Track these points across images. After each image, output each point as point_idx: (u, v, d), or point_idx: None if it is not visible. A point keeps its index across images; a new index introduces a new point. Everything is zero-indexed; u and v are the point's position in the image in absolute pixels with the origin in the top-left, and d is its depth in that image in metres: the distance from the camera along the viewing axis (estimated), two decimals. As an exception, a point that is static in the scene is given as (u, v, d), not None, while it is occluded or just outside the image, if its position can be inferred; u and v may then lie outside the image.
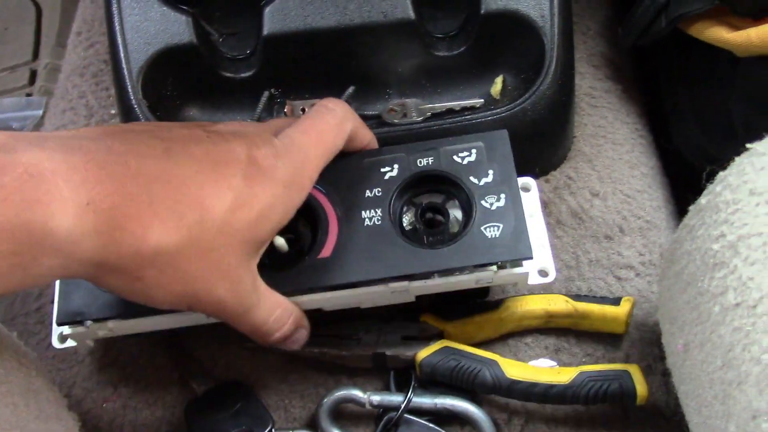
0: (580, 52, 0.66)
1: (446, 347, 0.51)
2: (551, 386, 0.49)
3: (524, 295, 0.54)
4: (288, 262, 0.47)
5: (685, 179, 0.65)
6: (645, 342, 0.54)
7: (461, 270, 0.46)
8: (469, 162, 0.48)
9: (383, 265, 0.46)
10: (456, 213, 0.48)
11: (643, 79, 0.69)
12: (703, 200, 0.41)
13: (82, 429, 0.45)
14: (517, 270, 0.47)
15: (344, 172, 0.48)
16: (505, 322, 0.53)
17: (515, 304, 0.53)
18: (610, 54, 0.67)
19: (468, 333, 0.53)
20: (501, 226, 0.46)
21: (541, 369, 0.50)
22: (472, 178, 0.48)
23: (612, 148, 0.62)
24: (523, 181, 0.51)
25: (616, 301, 0.52)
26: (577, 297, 0.53)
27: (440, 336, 0.52)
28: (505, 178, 0.48)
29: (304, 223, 0.48)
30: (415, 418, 0.50)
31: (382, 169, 0.48)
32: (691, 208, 0.42)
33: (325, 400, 0.51)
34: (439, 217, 0.48)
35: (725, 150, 0.55)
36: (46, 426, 0.39)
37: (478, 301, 0.53)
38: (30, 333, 0.57)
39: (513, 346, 0.54)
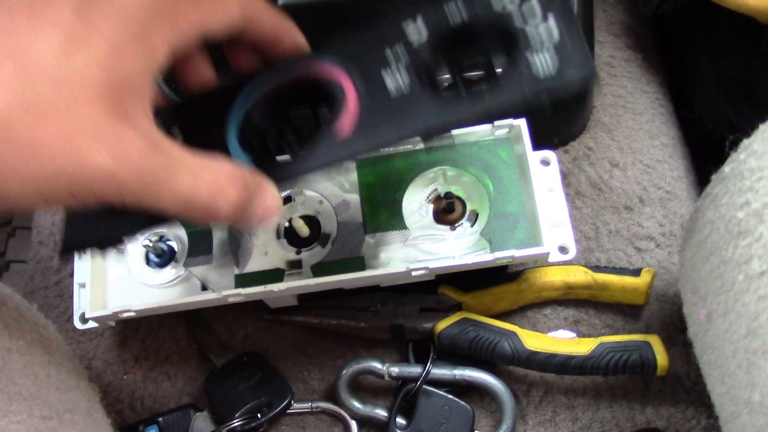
0: (600, 21, 0.65)
1: (465, 318, 0.51)
2: (570, 357, 0.49)
3: (543, 266, 0.53)
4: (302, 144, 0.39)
5: (707, 149, 0.64)
6: (665, 313, 0.53)
7: (514, 104, 0.37)
8: None
9: (415, 123, 0.37)
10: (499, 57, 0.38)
11: (664, 48, 0.68)
12: (727, 168, 0.40)
13: (103, 400, 0.45)
14: (537, 249, 0.46)
15: (358, 34, 0.39)
16: (523, 293, 0.52)
17: (534, 276, 0.52)
18: (630, 22, 0.66)
19: (486, 304, 0.52)
20: (551, 51, 0.37)
21: (560, 340, 0.50)
22: (508, 5, 0.37)
23: (632, 117, 0.61)
24: (543, 154, 0.51)
25: (636, 272, 0.52)
26: (597, 268, 0.53)
27: (459, 307, 0.52)
28: None
29: (319, 101, 0.40)
30: (434, 390, 0.50)
31: (404, 25, 0.38)
32: (714, 176, 0.41)
33: (344, 371, 0.51)
34: (479, 55, 0.38)
35: (748, 118, 0.54)
36: (67, 397, 0.40)
37: (497, 273, 0.53)
38: (50, 306, 0.58)
39: (532, 318, 0.54)
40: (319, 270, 0.49)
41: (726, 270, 0.35)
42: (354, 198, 0.50)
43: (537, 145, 0.50)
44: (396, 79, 0.38)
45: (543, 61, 0.37)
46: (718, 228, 0.37)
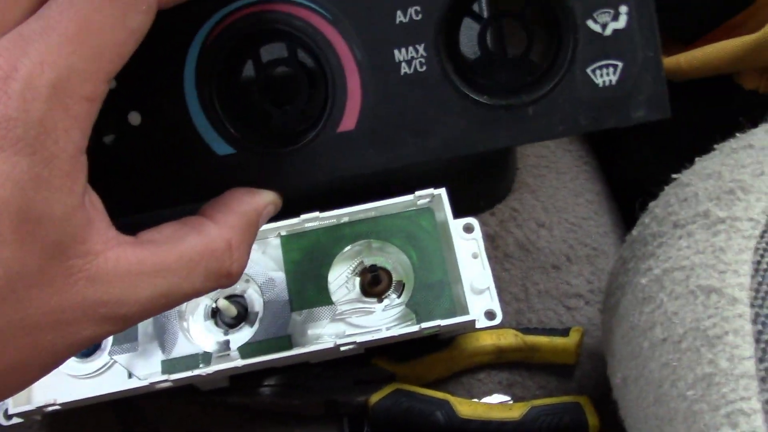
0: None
1: (398, 390, 0.51)
2: (503, 423, 0.49)
3: (475, 330, 0.54)
4: (294, 136, 0.31)
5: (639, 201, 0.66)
6: (597, 371, 0.54)
7: (565, 127, 0.30)
8: None
9: (436, 140, 0.30)
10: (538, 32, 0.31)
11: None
12: (634, 232, 0.41)
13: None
14: (463, 318, 0.47)
15: None
16: (456, 360, 0.53)
17: (465, 341, 0.52)
18: (550, 83, 0.68)
19: (420, 373, 0.52)
20: (620, 64, 0.29)
21: (493, 406, 0.50)
22: None
23: (555, 177, 0.62)
24: (465, 221, 0.51)
25: (566, 332, 0.53)
26: (527, 330, 0.53)
27: (392, 378, 0.52)
28: None
29: (309, 75, 0.31)
30: (369, 465, 0.50)
31: None
32: (627, 238, 0.42)
33: (279, 451, 0.50)
34: (516, 34, 0.30)
35: (672, 171, 0.56)
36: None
37: (429, 341, 0.53)
38: (-23, 401, 0.56)
39: (466, 384, 0.54)
40: (247, 350, 0.49)
41: (634, 336, 0.36)
42: (279, 275, 0.50)
43: (463, 210, 0.51)
44: (406, 53, 0.29)
45: (602, 60, 0.28)
46: (627, 293, 0.38)
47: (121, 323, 0.26)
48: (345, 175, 0.31)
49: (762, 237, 0.32)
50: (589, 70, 0.29)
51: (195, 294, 0.28)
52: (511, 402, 0.52)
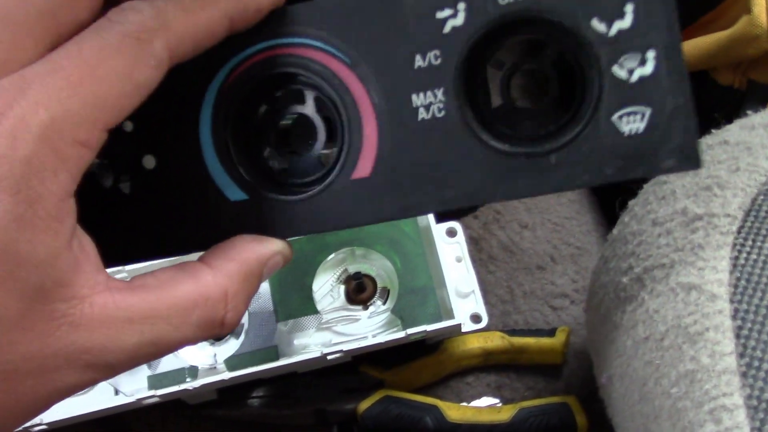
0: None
1: (387, 396, 0.51)
2: (493, 426, 0.49)
3: (461, 334, 0.54)
4: (308, 183, 0.30)
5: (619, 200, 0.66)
6: (585, 370, 0.54)
7: (589, 179, 0.27)
8: None
9: (454, 190, 0.28)
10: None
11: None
12: (615, 231, 0.41)
13: None
14: (449, 322, 0.47)
15: (375, 24, 0.28)
16: (444, 364, 0.53)
17: (453, 345, 0.52)
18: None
19: (408, 379, 0.52)
20: (648, 111, 0.27)
21: (481, 409, 0.50)
22: (595, 23, 0.27)
23: (537, 178, 0.62)
24: (448, 225, 0.51)
25: (552, 332, 0.53)
26: (513, 332, 0.53)
27: (381, 385, 0.52)
28: (656, 17, 0.27)
29: (325, 120, 0.30)
30: (360, 473, 0.50)
31: (439, 14, 0.28)
32: (608, 237, 0.42)
33: (269, 463, 0.50)
34: (533, 84, 0.29)
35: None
36: None
37: (416, 347, 0.53)
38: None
39: (455, 388, 0.54)
40: (233, 363, 0.48)
41: (618, 335, 0.36)
42: (263, 286, 0.50)
43: (446, 214, 0.51)
44: (425, 98, 0.28)
45: (628, 107, 0.27)
46: (609, 292, 0.38)
47: (106, 371, 0.25)
48: (358, 224, 0.30)
49: (739, 233, 0.32)
50: (614, 118, 0.27)
51: (186, 343, 0.27)
52: (500, 404, 0.52)
